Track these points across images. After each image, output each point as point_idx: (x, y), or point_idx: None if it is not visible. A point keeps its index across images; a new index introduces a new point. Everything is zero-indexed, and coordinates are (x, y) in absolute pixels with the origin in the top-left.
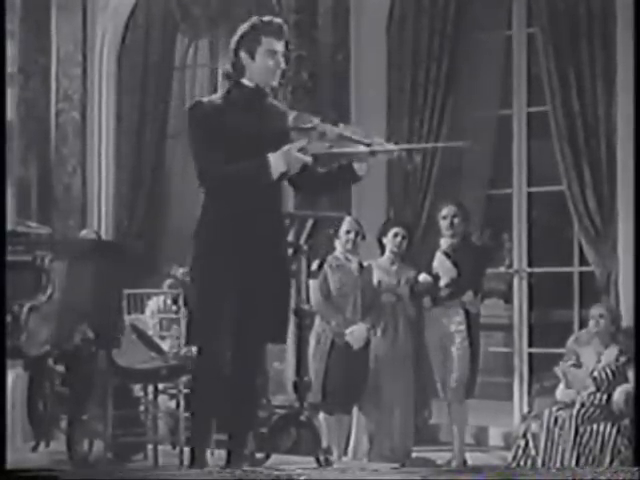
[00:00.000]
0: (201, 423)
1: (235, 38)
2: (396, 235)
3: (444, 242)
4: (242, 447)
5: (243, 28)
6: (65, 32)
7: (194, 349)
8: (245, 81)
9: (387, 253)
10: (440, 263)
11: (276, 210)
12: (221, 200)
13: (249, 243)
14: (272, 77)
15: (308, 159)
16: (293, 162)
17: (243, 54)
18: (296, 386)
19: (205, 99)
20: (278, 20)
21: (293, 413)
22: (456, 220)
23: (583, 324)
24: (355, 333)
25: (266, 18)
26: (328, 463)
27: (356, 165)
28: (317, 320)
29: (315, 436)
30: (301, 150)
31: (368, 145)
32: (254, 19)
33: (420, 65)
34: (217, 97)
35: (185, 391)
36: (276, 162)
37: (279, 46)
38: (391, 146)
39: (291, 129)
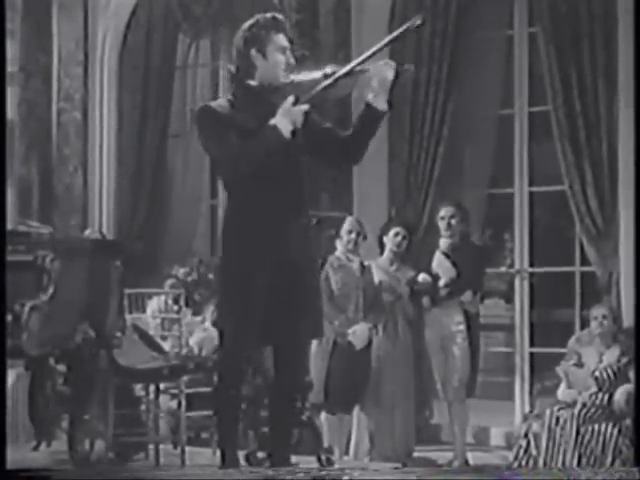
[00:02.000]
0: (229, 422)
1: (241, 39)
2: (397, 235)
3: (443, 242)
4: (286, 449)
5: (249, 27)
6: (66, 31)
7: (195, 350)
8: (250, 82)
9: (387, 253)
10: (439, 263)
11: (302, 207)
12: (244, 192)
13: (277, 240)
14: (282, 74)
15: (305, 107)
16: (294, 116)
17: (254, 53)
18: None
19: (212, 103)
20: (281, 16)
21: (295, 413)
22: (454, 221)
23: (584, 324)
24: (357, 333)
25: (269, 15)
26: (329, 463)
27: (372, 99)
28: None
29: (317, 436)
30: (295, 104)
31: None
32: (259, 17)
33: (421, 65)
34: (223, 100)
35: (187, 391)
36: (281, 123)
37: (286, 41)
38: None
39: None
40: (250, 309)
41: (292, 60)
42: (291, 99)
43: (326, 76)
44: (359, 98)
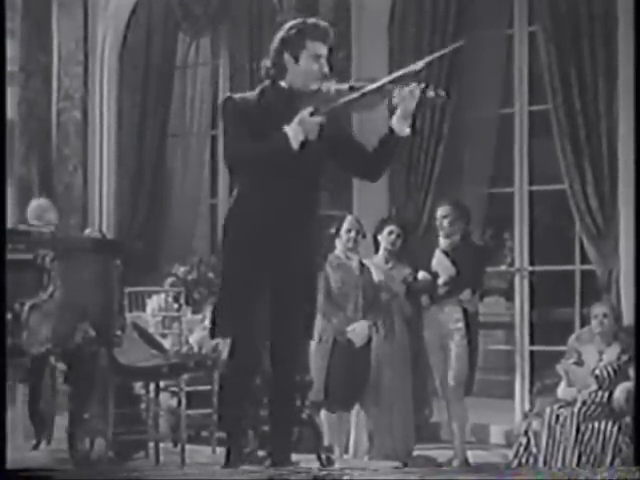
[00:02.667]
0: (233, 422)
1: (278, 39)
2: (391, 233)
3: (443, 241)
4: (286, 447)
5: (288, 28)
6: (66, 31)
7: (195, 348)
8: (282, 83)
9: (381, 251)
10: (439, 262)
11: (310, 211)
12: (249, 191)
13: (279, 236)
14: (314, 81)
15: (322, 119)
16: (308, 126)
17: (287, 56)
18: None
19: (237, 95)
20: (324, 24)
21: (294, 411)
22: (451, 220)
23: (584, 322)
24: (357, 331)
25: (311, 21)
26: (329, 461)
27: (395, 124)
28: (319, 318)
29: (317, 434)
30: (313, 114)
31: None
32: (299, 21)
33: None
34: (251, 95)
35: (187, 389)
36: (293, 132)
37: (324, 50)
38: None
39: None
40: (251, 309)
41: (326, 69)
42: (309, 109)
43: (352, 89)
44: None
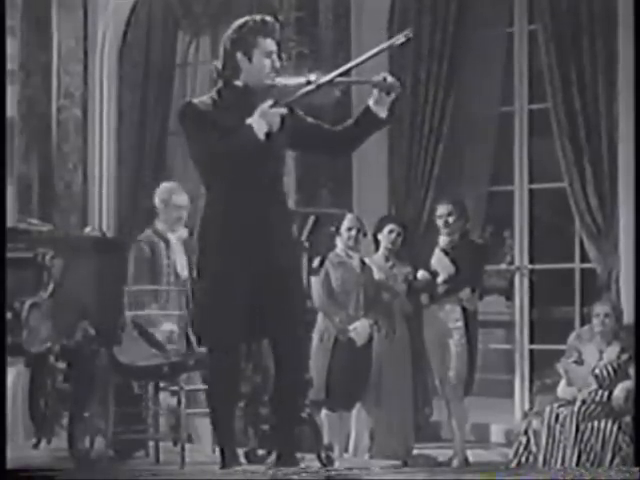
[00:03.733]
0: (225, 421)
1: (228, 39)
2: (391, 232)
3: (442, 240)
4: (291, 446)
5: (236, 29)
6: (66, 29)
7: (195, 346)
8: (237, 82)
9: (382, 250)
10: (438, 260)
11: (280, 203)
12: (222, 191)
13: (255, 237)
14: (267, 77)
15: (282, 110)
16: (270, 118)
17: (240, 55)
18: None
19: (195, 100)
20: (271, 19)
21: (297, 411)
22: (451, 218)
23: (584, 321)
24: (358, 329)
25: (259, 17)
26: (329, 460)
27: (374, 107)
28: (320, 317)
29: (317, 433)
30: (273, 106)
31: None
32: (247, 19)
33: (421, 62)
34: (207, 97)
35: (187, 388)
36: (257, 124)
37: (274, 46)
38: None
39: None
40: (230, 307)
41: (277, 64)
42: (270, 101)
43: (309, 82)
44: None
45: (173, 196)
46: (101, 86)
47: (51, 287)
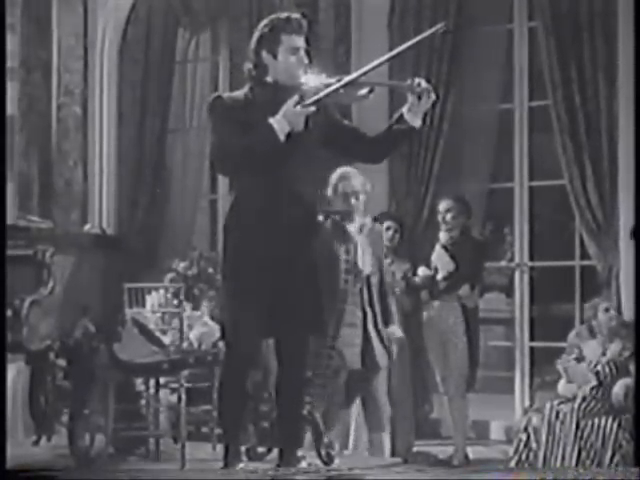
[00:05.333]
0: (233, 418)
1: (255, 39)
2: (388, 229)
3: (443, 236)
4: (294, 445)
5: (262, 28)
6: (66, 26)
7: (195, 344)
8: (268, 78)
9: None
10: (438, 256)
11: (305, 200)
12: (246, 185)
13: (279, 235)
14: (296, 73)
15: (308, 110)
16: (293, 118)
17: (265, 54)
18: None
19: (225, 94)
20: (296, 16)
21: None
22: (450, 214)
23: (584, 318)
24: None
25: (284, 15)
26: (329, 457)
27: (407, 115)
28: None
29: (317, 430)
30: (298, 104)
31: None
32: (273, 17)
33: (421, 59)
34: (239, 93)
35: (187, 385)
36: (278, 124)
37: (300, 42)
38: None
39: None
40: (252, 303)
41: (306, 60)
42: (293, 100)
43: (338, 81)
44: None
45: (341, 183)
46: (101, 83)
47: (51, 284)
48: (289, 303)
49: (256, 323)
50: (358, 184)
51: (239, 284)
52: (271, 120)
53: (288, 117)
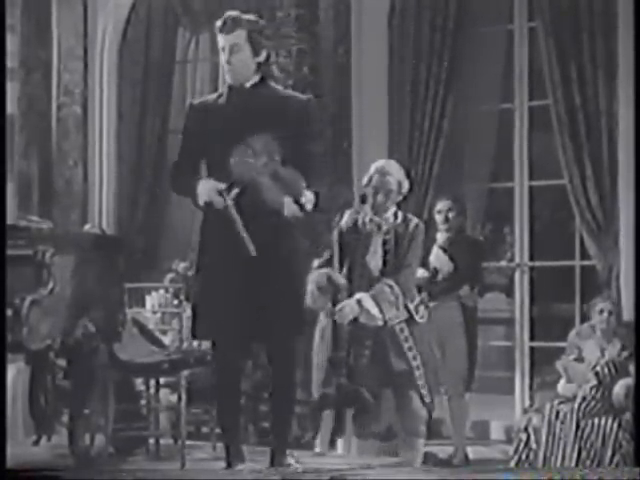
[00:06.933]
0: (230, 419)
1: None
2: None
3: (440, 236)
4: (284, 445)
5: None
6: (66, 26)
7: (195, 344)
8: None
9: None
10: (436, 257)
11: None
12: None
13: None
14: (225, 75)
15: (223, 199)
16: (212, 196)
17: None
18: None
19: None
20: (228, 14)
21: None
22: (450, 214)
23: (585, 318)
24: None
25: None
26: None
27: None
28: (321, 315)
29: (316, 430)
30: (223, 190)
31: None
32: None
33: (421, 59)
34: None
35: (187, 385)
36: (201, 190)
37: (222, 41)
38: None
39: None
40: (224, 305)
41: (223, 60)
42: (220, 186)
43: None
44: None
45: (375, 176)
46: (101, 83)
47: (51, 284)
48: (269, 306)
49: (235, 324)
50: (393, 181)
51: (213, 284)
52: (200, 181)
53: (207, 192)
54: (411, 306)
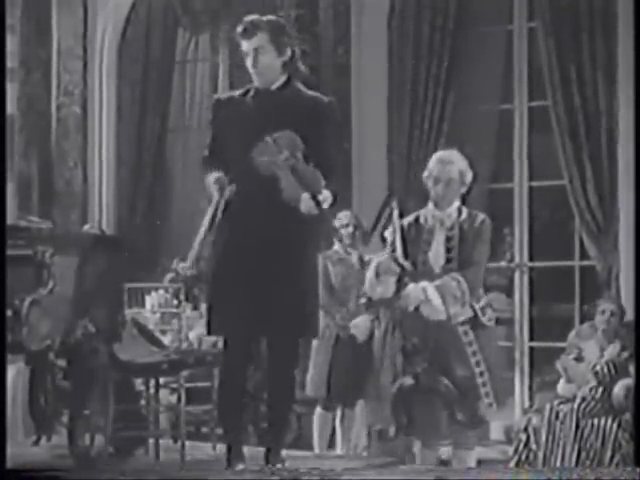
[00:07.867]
0: (233, 418)
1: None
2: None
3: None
4: (279, 443)
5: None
6: (66, 26)
7: (195, 344)
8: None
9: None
10: None
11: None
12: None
13: (267, 236)
14: (253, 75)
15: (219, 194)
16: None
17: None
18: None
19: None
20: (247, 19)
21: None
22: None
23: (584, 318)
24: (359, 325)
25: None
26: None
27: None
28: (321, 315)
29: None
30: (218, 180)
31: None
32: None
33: (421, 59)
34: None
35: (186, 385)
36: (207, 183)
37: (245, 45)
38: None
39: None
40: (240, 303)
41: (249, 64)
42: (216, 175)
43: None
44: None
45: (437, 167)
46: (100, 83)
47: (51, 285)
48: (281, 304)
49: (243, 323)
50: (455, 170)
51: (228, 284)
52: (209, 175)
53: (208, 187)
54: (477, 306)
